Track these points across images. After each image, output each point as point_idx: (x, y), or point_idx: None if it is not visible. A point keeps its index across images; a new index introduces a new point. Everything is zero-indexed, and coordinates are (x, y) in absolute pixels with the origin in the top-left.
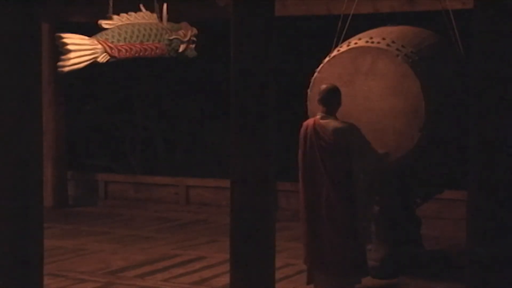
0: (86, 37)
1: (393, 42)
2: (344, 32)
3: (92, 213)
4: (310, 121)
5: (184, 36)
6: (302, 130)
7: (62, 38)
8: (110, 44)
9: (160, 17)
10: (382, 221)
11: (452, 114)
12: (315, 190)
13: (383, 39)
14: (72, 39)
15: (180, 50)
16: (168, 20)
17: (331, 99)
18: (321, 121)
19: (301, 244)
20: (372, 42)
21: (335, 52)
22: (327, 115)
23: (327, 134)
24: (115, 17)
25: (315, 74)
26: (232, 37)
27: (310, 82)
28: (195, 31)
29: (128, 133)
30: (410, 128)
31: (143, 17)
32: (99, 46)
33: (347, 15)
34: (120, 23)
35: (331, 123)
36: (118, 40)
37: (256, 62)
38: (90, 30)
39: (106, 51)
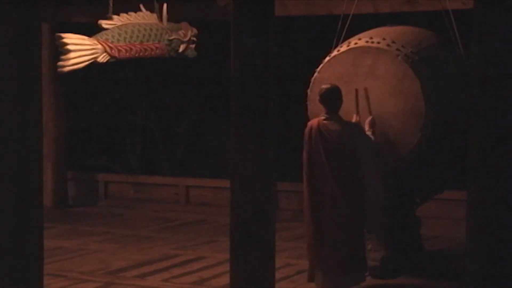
0: (86, 37)
1: (393, 42)
2: (344, 32)
3: (92, 213)
4: (314, 122)
5: (184, 36)
6: (307, 130)
7: (62, 38)
8: (110, 44)
9: (160, 17)
10: (382, 221)
11: (452, 114)
12: (320, 190)
13: (383, 39)
14: (72, 39)
15: (180, 50)
16: (168, 20)
17: (333, 99)
18: (325, 122)
19: (301, 244)
20: (372, 42)
21: (335, 52)
22: (330, 115)
23: (331, 135)
24: (115, 17)
25: (315, 74)
26: (232, 37)
27: (310, 82)
28: (195, 31)
29: (128, 133)
30: (410, 128)
31: (143, 17)
32: (99, 46)
33: (347, 15)
34: (120, 23)
35: (336, 124)
36: (118, 40)
37: (256, 62)
38: (90, 30)
39: (106, 51)
